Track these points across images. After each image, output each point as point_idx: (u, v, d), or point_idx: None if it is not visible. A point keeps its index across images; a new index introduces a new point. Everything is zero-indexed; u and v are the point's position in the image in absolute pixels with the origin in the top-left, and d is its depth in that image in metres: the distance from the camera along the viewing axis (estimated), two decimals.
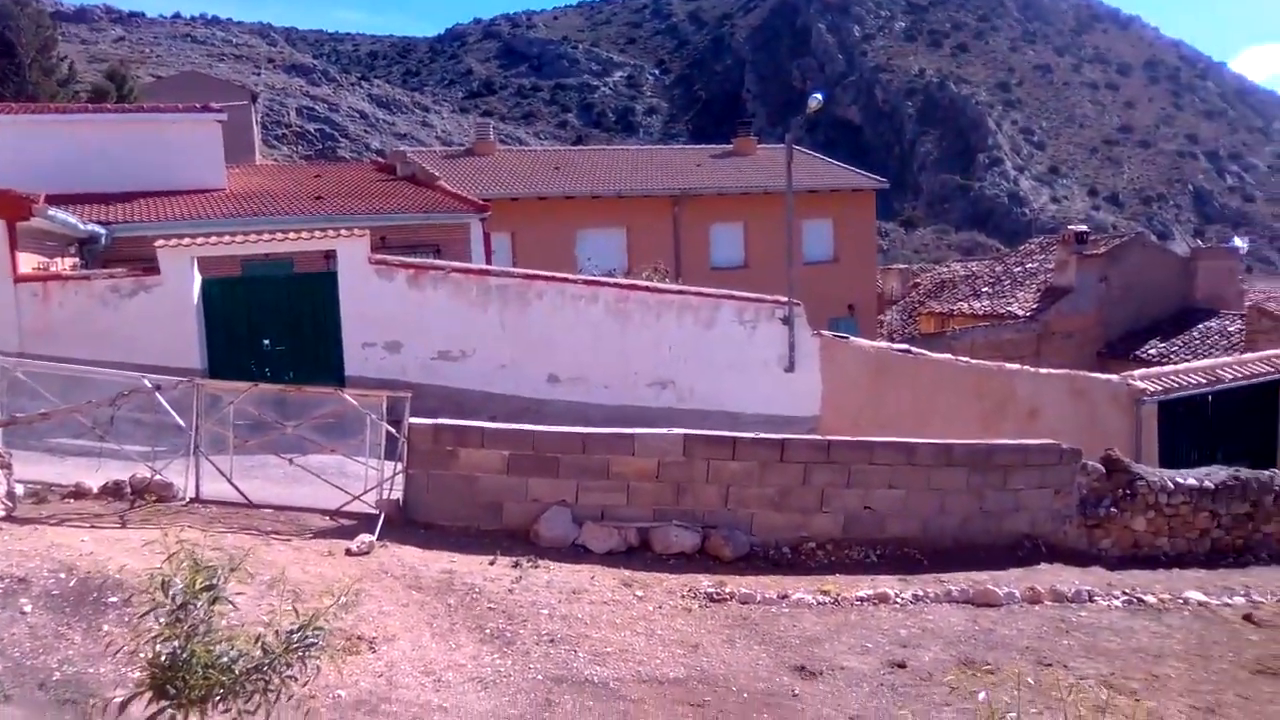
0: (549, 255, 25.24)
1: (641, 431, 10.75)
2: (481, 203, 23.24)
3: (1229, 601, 10.27)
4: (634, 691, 6.81)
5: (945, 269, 39.97)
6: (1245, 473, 12.78)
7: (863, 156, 78.45)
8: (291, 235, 16.11)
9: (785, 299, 16.14)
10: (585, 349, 15.58)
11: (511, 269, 18.43)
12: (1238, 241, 44.89)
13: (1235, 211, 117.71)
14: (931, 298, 35.94)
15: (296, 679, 4.41)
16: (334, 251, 15.39)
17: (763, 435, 11.10)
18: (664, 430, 10.82)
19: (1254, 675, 8.28)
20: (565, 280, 16.16)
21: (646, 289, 16.47)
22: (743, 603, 8.91)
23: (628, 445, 10.49)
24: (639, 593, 8.87)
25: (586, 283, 16.34)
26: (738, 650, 7.82)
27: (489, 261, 21.97)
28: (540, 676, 6.90)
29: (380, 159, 35.66)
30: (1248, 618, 9.77)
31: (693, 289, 17.19)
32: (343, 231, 15.81)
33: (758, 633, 8.23)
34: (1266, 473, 13.07)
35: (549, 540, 10.03)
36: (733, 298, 16.41)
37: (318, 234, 16.04)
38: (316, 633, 4.41)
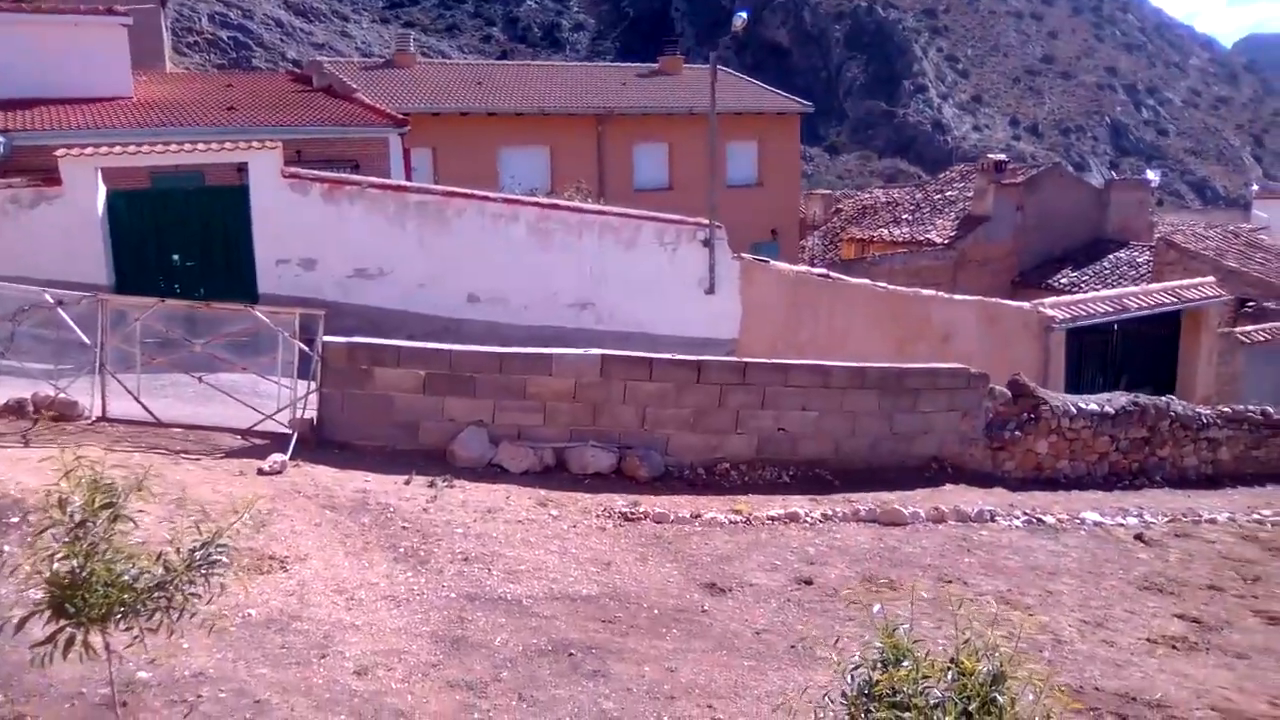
0: (471, 173, 24.78)
1: (559, 351, 10.76)
2: (401, 117, 22.65)
3: (1123, 522, 10.74)
4: (546, 609, 6.90)
5: (867, 195, 40.22)
6: (1143, 399, 13.26)
7: (789, 80, 77.89)
8: (201, 147, 15.60)
9: (707, 221, 16.14)
10: (505, 268, 15.44)
11: (431, 186, 18.08)
12: (1150, 174, 46.06)
13: (1149, 145, 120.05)
14: (853, 223, 36.20)
15: (201, 597, 4.38)
16: (246, 164, 14.94)
17: (680, 356, 11.18)
18: (582, 351, 10.84)
19: (1141, 591, 8.70)
20: (485, 198, 15.93)
21: (568, 208, 16.34)
22: (656, 522, 9.05)
23: (545, 365, 10.50)
24: (554, 512, 8.95)
25: (507, 201, 16.13)
26: (650, 568, 7.96)
27: (408, 178, 21.51)
28: (453, 594, 6.94)
29: (296, 69, 34.53)
30: (1139, 537, 10.24)
31: (614, 209, 17.09)
32: (255, 144, 15.33)
33: (670, 551, 8.38)
34: (1163, 399, 13.58)
35: (465, 460, 10.04)
36: (654, 219, 16.36)
37: (229, 146, 15.56)
38: (220, 549, 4.37)
